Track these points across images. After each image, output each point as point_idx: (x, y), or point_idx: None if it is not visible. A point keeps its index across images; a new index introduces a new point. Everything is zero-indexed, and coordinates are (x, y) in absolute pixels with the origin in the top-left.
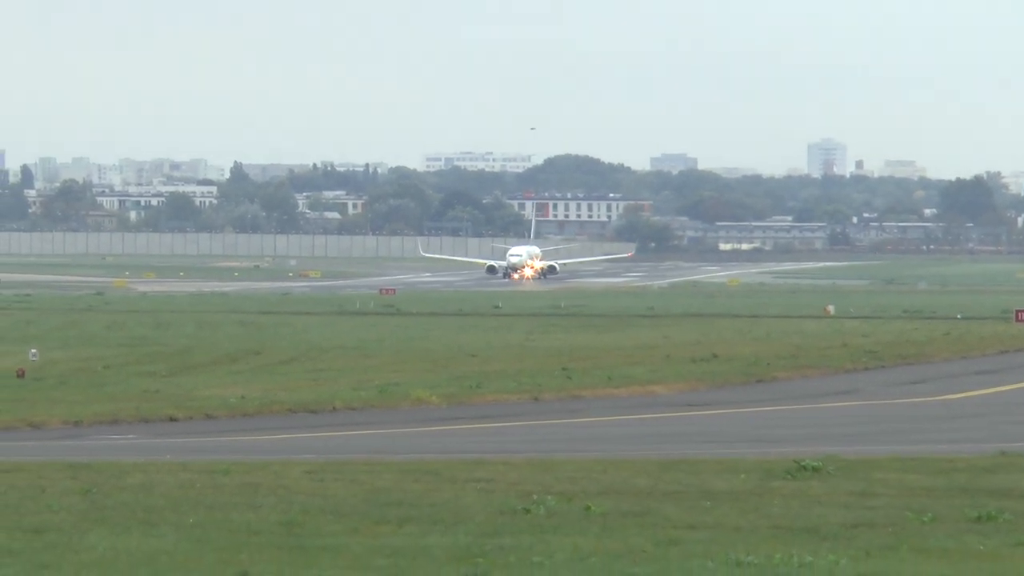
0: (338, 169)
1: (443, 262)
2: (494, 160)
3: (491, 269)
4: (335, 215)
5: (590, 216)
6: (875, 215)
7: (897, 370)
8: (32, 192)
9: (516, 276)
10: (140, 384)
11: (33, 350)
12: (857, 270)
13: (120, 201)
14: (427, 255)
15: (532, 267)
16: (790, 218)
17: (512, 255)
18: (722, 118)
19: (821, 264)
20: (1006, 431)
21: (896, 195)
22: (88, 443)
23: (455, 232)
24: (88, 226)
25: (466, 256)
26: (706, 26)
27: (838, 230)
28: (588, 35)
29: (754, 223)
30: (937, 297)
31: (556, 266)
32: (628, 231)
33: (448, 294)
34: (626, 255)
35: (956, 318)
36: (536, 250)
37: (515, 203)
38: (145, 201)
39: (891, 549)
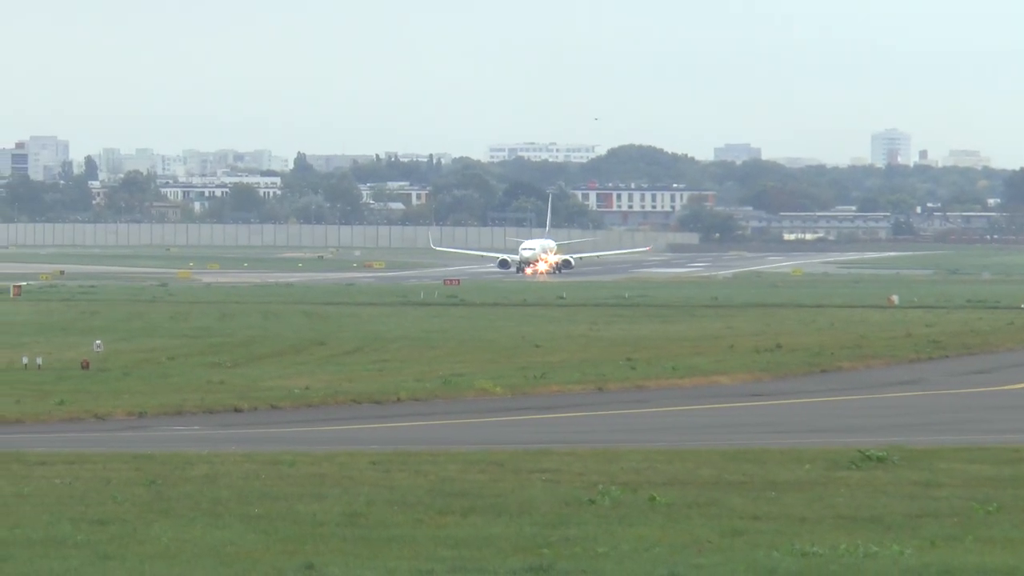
0: (402, 160)
1: (455, 255)
2: (558, 150)
3: (503, 263)
4: (399, 206)
5: (653, 207)
6: (939, 205)
7: (961, 360)
8: (96, 183)
9: (529, 271)
10: (204, 375)
11: (98, 341)
12: (921, 260)
13: (184, 192)
14: (438, 248)
15: (546, 261)
16: (854, 208)
17: (525, 248)
18: (786, 108)
19: (885, 254)
20: None
21: (960, 185)
22: (153, 434)
23: (519, 223)
24: (152, 217)
25: (478, 250)
26: (771, 16)
27: (902, 220)
28: (653, 26)
29: (818, 213)
30: (1001, 287)
31: (571, 260)
32: (692, 221)
33: (512, 284)
34: (645, 249)
35: (1020, 308)
36: (551, 243)
37: (579, 193)
38: (209, 192)
39: (956, 539)
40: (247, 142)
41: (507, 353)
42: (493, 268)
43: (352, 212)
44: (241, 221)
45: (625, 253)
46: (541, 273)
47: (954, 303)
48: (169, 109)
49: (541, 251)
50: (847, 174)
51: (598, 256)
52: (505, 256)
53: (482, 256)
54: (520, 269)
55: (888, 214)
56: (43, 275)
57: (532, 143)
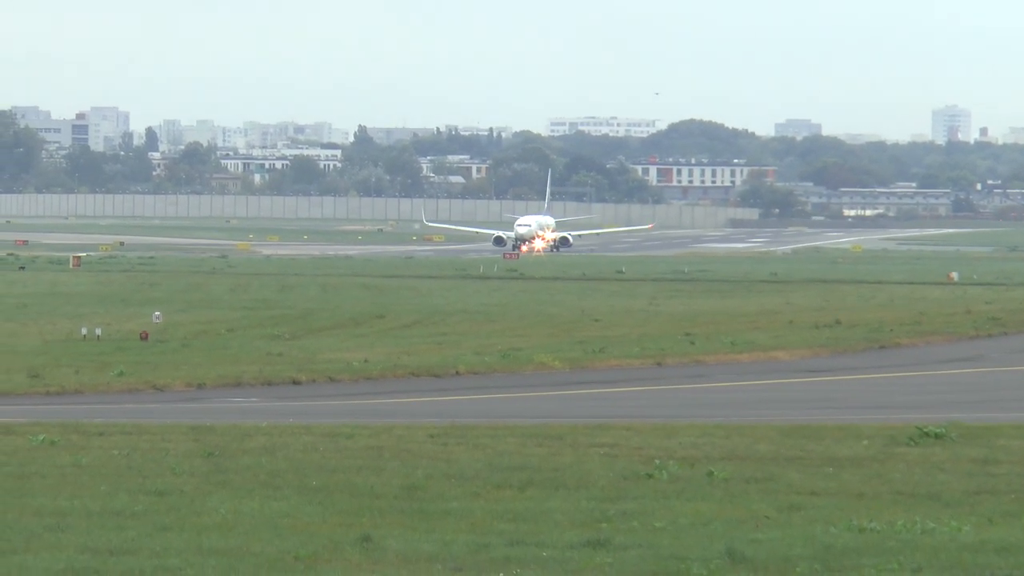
0: (462, 133)
1: (448, 232)
2: (618, 125)
3: (498, 240)
4: (459, 179)
5: (713, 182)
6: (999, 182)
7: (1020, 337)
8: (156, 155)
9: (525, 248)
10: (263, 347)
11: (157, 313)
12: (981, 237)
13: (244, 164)
14: (431, 224)
15: (543, 238)
16: (914, 184)
17: (520, 225)
18: (847, 84)
19: (945, 231)
20: None
21: (1021, 161)
22: (211, 406)
23: (579, 197)
24: (212, 189)
25: (474, 226)
26: None
27: (962, 197)
28: (713, 3)
29: (878, 189)
30: None
31: (570, 238)
32: (752, 197)
33: (571, 258)
34: (647, 227)
35: None
36: (549, 220)
37: (639, 168)
38: (269, 164)
39: (1014, 516)
40: (308, 114)
41: (566, 327)
42: (489, 246)
43: (412, 185)
44: (301, 193)
45: (626, 231)
46: (538, 251)
47: (1014, 280)
48: (230, 81)
49: (538, 228)
50: (907, 150)
51: (598, 233)
52: (501, 233)
53: (477, 233)
54: (516, 247)
55: (948, 191)
56: (103, 246)
57: (593, 117)
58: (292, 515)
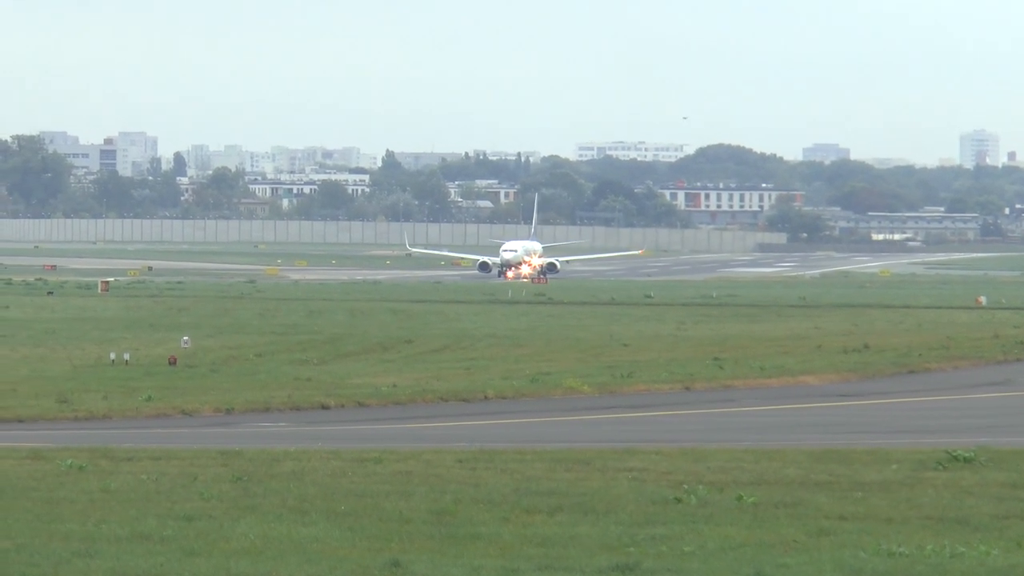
0: (490, 158)
1: (430, 257)
2: (646, 150)
3: (483, 266)
4: (487, 204)
5: (741, 206)
6: None
7: None
8: (185, 180)
9: (511, 274)
10: (292, 372)
11: (185, 338)
12: (1009, 261)
13: (272, 189)
14: (413, 249)
15: (529, 264)
16: (942, 209)
17: (506, 250)
18: (875, 109)
19: (973, 255)
20: None
21: None
22: (240, 431)
23: (607, 222)
24: (240, 214)
25: (459, 252)
26: (859, 17)
27: (990, 221)
28: (742, 26)
29: (906, 214)
30: None
31: (557, 263)
32: (780, 221)
33: (600, 283)
34: (638, 252)
35: None
36: (535, 246)
37: (667, 193)
38: (297, 189)
39: None
40: (336, 139)
41: (595, 352)
42: (473, 271)
43: (440, 210)
44: (329, 218)
45: (616, 256)
46: (524, 277)
47: None
48: (258, 106)
49: (524, 253)
50: (935, 175)
51: (586, 259)
52: (486, 259)
53: (462, 259)
54: (501, 273)
55: (976, 215)
56: (131, 271)
57: (621, 142)
58: (321, 540)
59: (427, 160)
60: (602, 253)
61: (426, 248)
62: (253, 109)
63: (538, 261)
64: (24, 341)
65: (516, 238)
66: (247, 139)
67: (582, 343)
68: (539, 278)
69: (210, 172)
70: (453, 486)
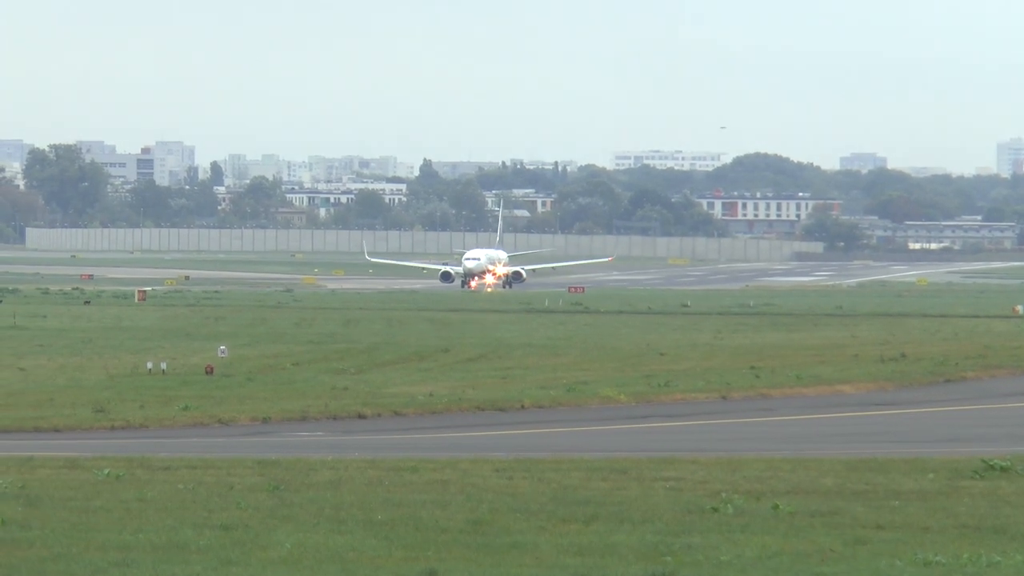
0: (527, 167)
1: (391, 268)
2: (683, 159)
3: (446, 276)
4: (524, 213)
5: (778, 215)
6: None
7: None
8: (222, 189)
9: (474, 284)
10: (329, 381)
11: (222, 347)
12: None
13: (309, 198)
14: (373, 260)
15: (494, 273)
16: (979, 217)
17: (468, 259)
18: (912, 118)
19: (1010, 264)
20: None
21: None
22: (277, 440)
23: (644, 231)
24: (277, 223)
25: (420, 262)
26: (895, 27)
27: None
28: (780, 35)
29: (943, 223)
30: None
31: (523, 272)
32: (817, 230)
33: (637, 292)
34: (607, 259)
35: None
36: (500, 254)
37: (704, 202)
38: (335, 198)
39: None
40: (373, 148)
41: (631, 361)
42: (436, 281)
43: (477, 219)
44: (366, 227)
45: (585, 264)
46: (488, 286)
47: None
48: (295, 115)
49: (488, 262)
50: (972, 183)
51: (553, 267)
52: (448, 268)
53: (424, 269)
54: (465, 282)
55: (1013, 224)
56: (168, 280)
57: (658, 151)
58: (357, 549)
59: (464, 169)
60: (570, 261)
61: (385, 258)
62: (290, 119)
63: (503, 270)
64: (61, 350)
65: (552, 246)
66: (284, 148)
67: (619, 352)
68: (504, 288)
69: (247, 181)
70: (490, 495)
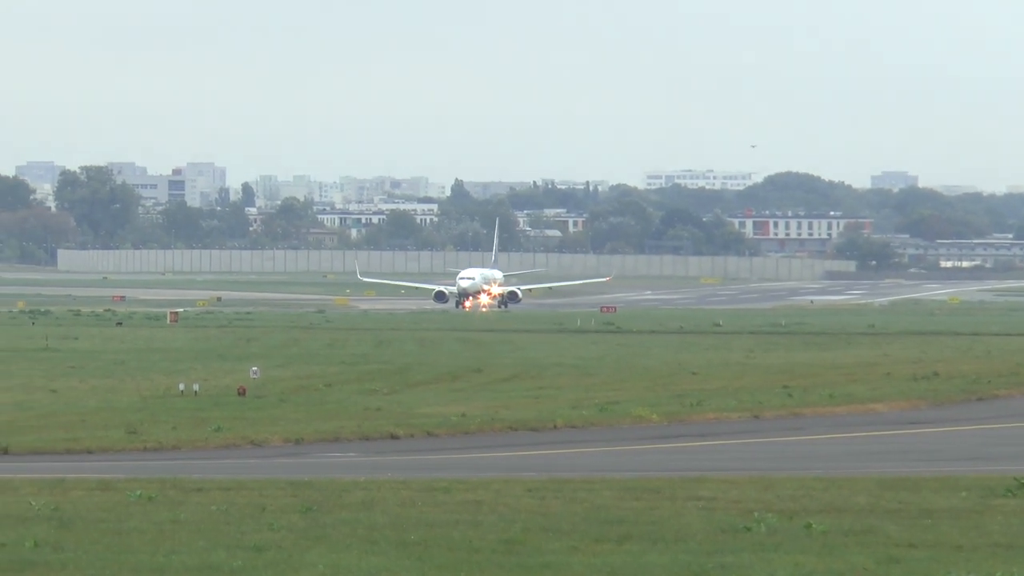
0: (559, 187)
1: (383, 287)
2: (714, 178)
3: (439, 296)
4: (555, 233)
5: (810, 234)
6: None
7: None
8: (253, 210)
9: (469, 304)
10: (361, 402)
11: (254, 368)
12: None
13: (341, 219)
14: (366, 279)
15: (489, 293)
16: (1011, 236)
17: (463, 279)
18: (943, 136)
19: None
20: None
21: None
22: (309, 461)
23: (675, 251)
24: (309, 244)
25: (412, 281)
26: (925, 46)
27: None
28: (809, 54)
29: (975, 241)
30: None
31: (518, 292)
32: (848, 249)
33: (668, 312)
34: (605, 279)
35: None
36: (495, 274)
37: (735, 221)
38: (366, 219)
39: None
40: (404, 169)
41: (663, 380)
42: (430, 301)
43: (509, 239)
44: (398, 248)
45: (580, 284)
46: (483, 306)
47: None
48: (326, 136)
49: (483, 282)
50: (1004, 201)
51: (550, 287)
52: (442, 288)
53: (417, 288)
54: (459, 302)
55: None
56: (200, 301)
57: (689, 170)
58: (390, 570)
59: (495, 189)
60: (567, 281)
61: (379, 277)
62: (322, 140)
63: (498, 290)
64: (93, 372)
65: (584, 267)
66: (316, 169)
67: (651, 372)
68: (499, 308)
69: (279, 202)
70: (522, 515)
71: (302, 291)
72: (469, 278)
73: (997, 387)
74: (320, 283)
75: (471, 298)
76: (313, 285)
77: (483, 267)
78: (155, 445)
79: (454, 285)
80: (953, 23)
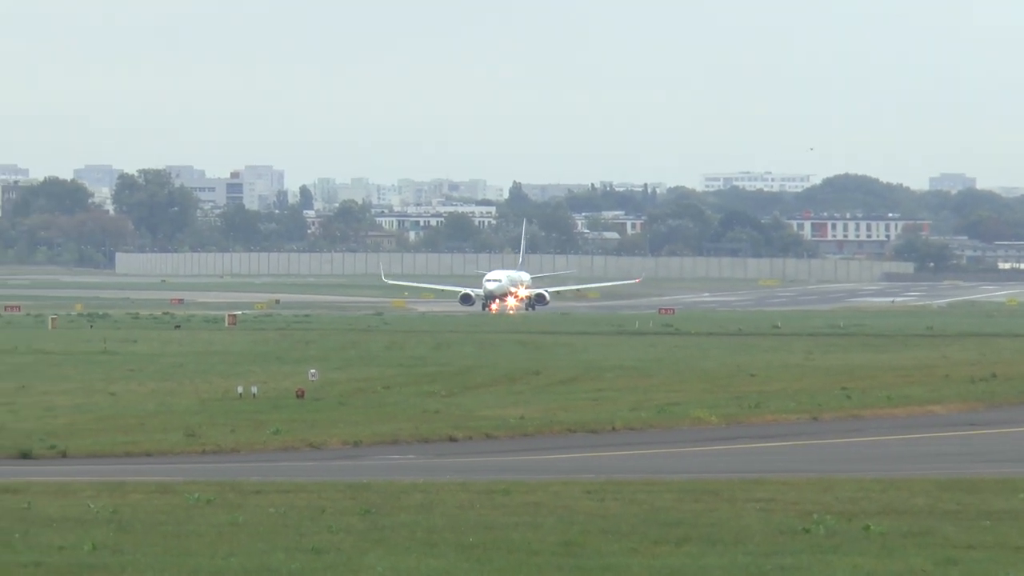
0: (617, 189)
1: (409, 289)
2: (773, 180)
3: (465, 298)
4: (614, 235)
5: (868, 236)
6: None
7: None
8: (311, 213)
9: (495, 307)
10: (420, 404)
11: (313, 371)
12: None
13: (399, 221)
14: (390, 282)
15: (516, 295)
16: None
17: (489, 280)
18: (1001, 137)
19: None
20: None
21: None
22: (368, 463)
23: (734, 253)
24: (367, 246)
25: (438, 283)
26: (982, 45)
27: None
28: (867, 57)
29: None
30: None
31: (546, 294)
32: (906, 251)
33: (727, 314)
34: (635, 281)
35: None
36: (522, 276)
37: (794, 223)
38: (424, 221)
39: None
40: (462, 171)
41: (722, 382)
42: (456, 303)
43: (567, 241)
44: (456, 250)
45: (609, 286)
46: (510, 309)
47: None
48: (384, 139)
49: (509, 284)
50: None
51: (577, 289)
52: (468, 290)
53: (443, 291)
54: (486, 305)
55: None
56: (258, 304)
57: (747, 172)
58: (449, 572)
59: (553, 192)
60: (595, 284)
61: (401, 280)
62: (379, 142)
63: (525, 292)
64: (152, 375)
65: (643, 268)
66: (373, 172)
67: (709, 373)
68: (527, 310)
69: (336, 205)
70: (581, 517)
71: (360, 293)
72: (496, 280)
73: None
74: (378, 285)
75: (498, 300)
76: (371, 288)
77: (511, 270)
78: (214, 448)
79: (480, 288)
80: (1008, 24)
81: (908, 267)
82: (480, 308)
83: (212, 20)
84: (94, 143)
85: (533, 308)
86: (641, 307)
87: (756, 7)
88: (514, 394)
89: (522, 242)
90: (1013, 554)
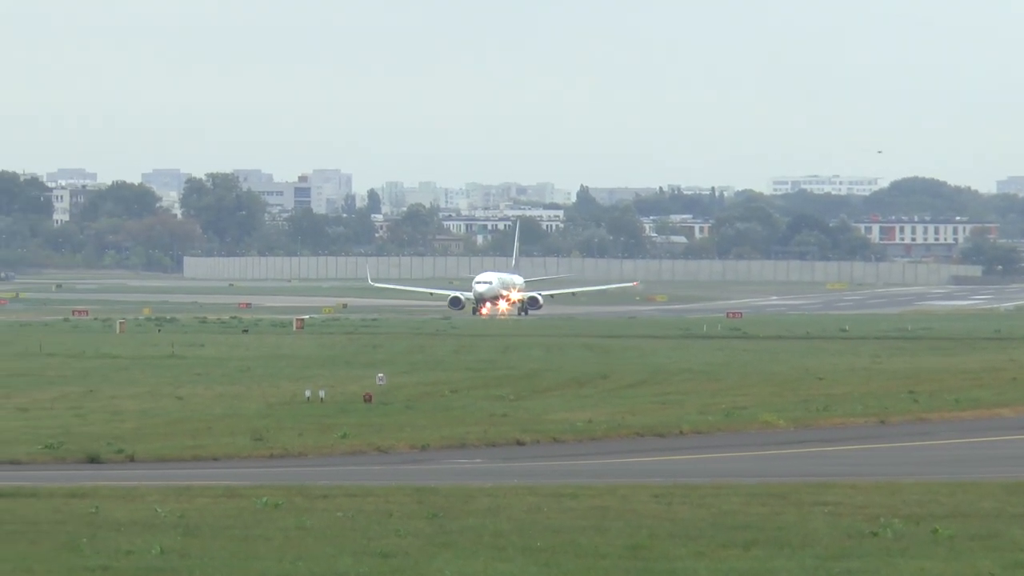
0: (685, 192)
1: (395, 292)
2: (840, 183)
3: (455, 301)
4: (681, 239)
5: (936, 239)
6: None
7: None
8: (379, 216)
9: (486, 311)
10: (487, 408)
11: (380, 375)
12: None
13: (467, 225)
14: (377, 284)
15: (508, 298)
16: None
17: (479, 283)
18: None
19: None
20: None
21: None
22: (435, 467)
23: (801, 256)
24: (435, 250)
25: (424, 286)
26: None
27: None
28: (935, 58)
29: None
30: None
31: (539, 298)
32: (974, 254)
33: (794, 317)
34: (631, 284)
35: None
36: (515, 279)
37: (861, 227)
38: (492, 225)
39: None
40: (530, 175)
41: (790, 386)
42: (444, 307)
43: (634, 245)
44: (524, 254)
45: (605, 289)
46: (502, 313)
47: None
48: (452, 143)
49: (501, 286)
50: None
51: (573, 293)
52: (458, 293)
53: (431, 294)
54: (476, 309)
55: None
56: (326, 308)
57: (815, 176)
58: None
59: (621, 195)
60: (590, 287)
61: (387, 282)
62: (447, 146)
63: (518, 295)
64: (219, 379)
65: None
66: (441, 176)
67: (777, 377)
68: (519, 315)
69: (404, 209)
70: (649, 521)
71: (427, 298)
72: (486, 282)
73: None
74: (447, 289)
75: (488, 304)
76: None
77: (503, 272)
78: (281, 452)
79: (470, 291)
80: None
81: (976, 270)
82: (470, 312)
83: (282, 26)
84: (162, 148)
85: (526, 312)
86: (709, 311)
87: (827, 8)
88: (581, 398)
89: (515, 243)
90: None
